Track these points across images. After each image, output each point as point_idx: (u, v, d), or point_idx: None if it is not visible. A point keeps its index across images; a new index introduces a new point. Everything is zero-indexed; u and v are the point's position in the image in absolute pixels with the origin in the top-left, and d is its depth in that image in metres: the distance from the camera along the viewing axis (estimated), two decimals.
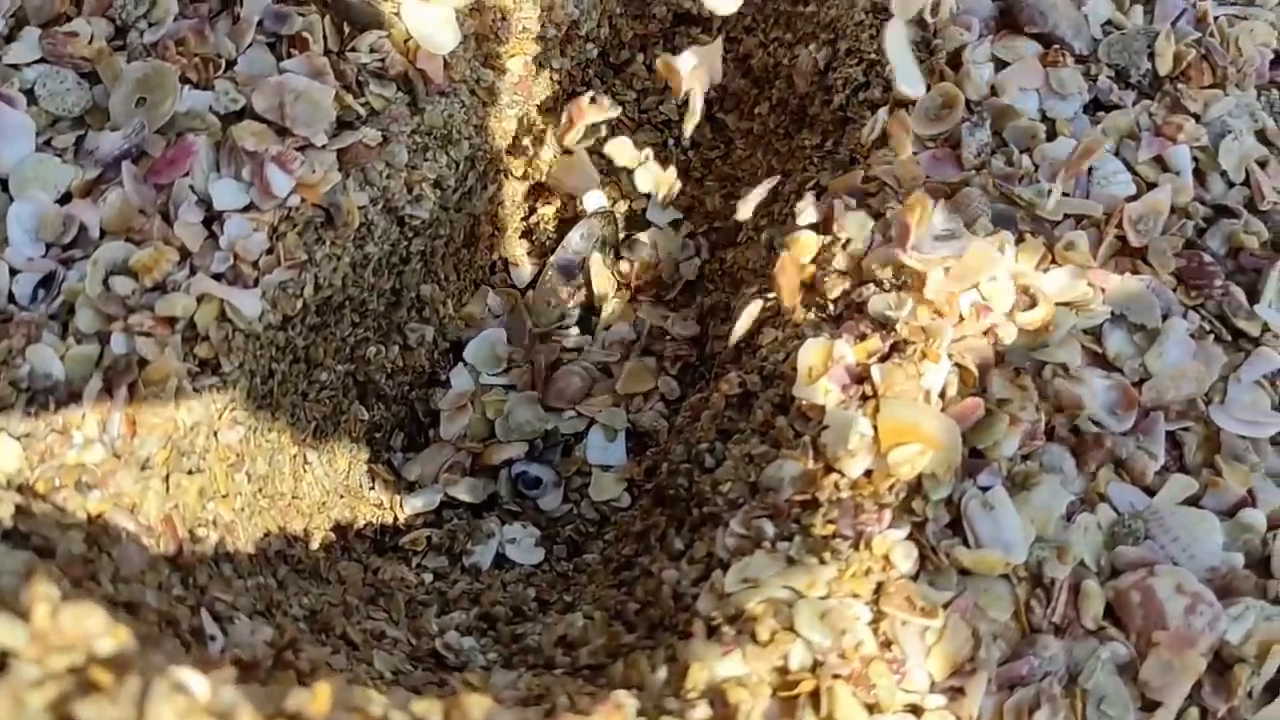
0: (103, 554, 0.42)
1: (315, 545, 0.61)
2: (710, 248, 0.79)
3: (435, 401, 0.72)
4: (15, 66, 0.57)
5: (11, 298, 0.51)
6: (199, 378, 0.51)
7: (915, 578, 0.49)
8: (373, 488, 0.69)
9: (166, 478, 0.48)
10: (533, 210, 0.80)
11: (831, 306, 0.59)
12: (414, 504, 0.68)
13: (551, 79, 0.76)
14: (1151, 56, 0.68)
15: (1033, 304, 0.57)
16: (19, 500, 0.41)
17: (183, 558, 0.47)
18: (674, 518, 0.59)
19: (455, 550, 0.65)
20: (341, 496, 0.65)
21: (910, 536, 0.50)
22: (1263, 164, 0.65)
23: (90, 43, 0.58)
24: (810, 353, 0.56)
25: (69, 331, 0.50)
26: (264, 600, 0.51)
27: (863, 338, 0.56)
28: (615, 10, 0.78)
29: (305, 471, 0.61)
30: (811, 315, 0.60)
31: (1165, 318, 0.58)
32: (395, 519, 0.68)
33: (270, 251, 0.54)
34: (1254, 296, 0.60)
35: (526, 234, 0.81)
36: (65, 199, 0.53)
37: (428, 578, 0.63)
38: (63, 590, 0.34)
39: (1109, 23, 0.70)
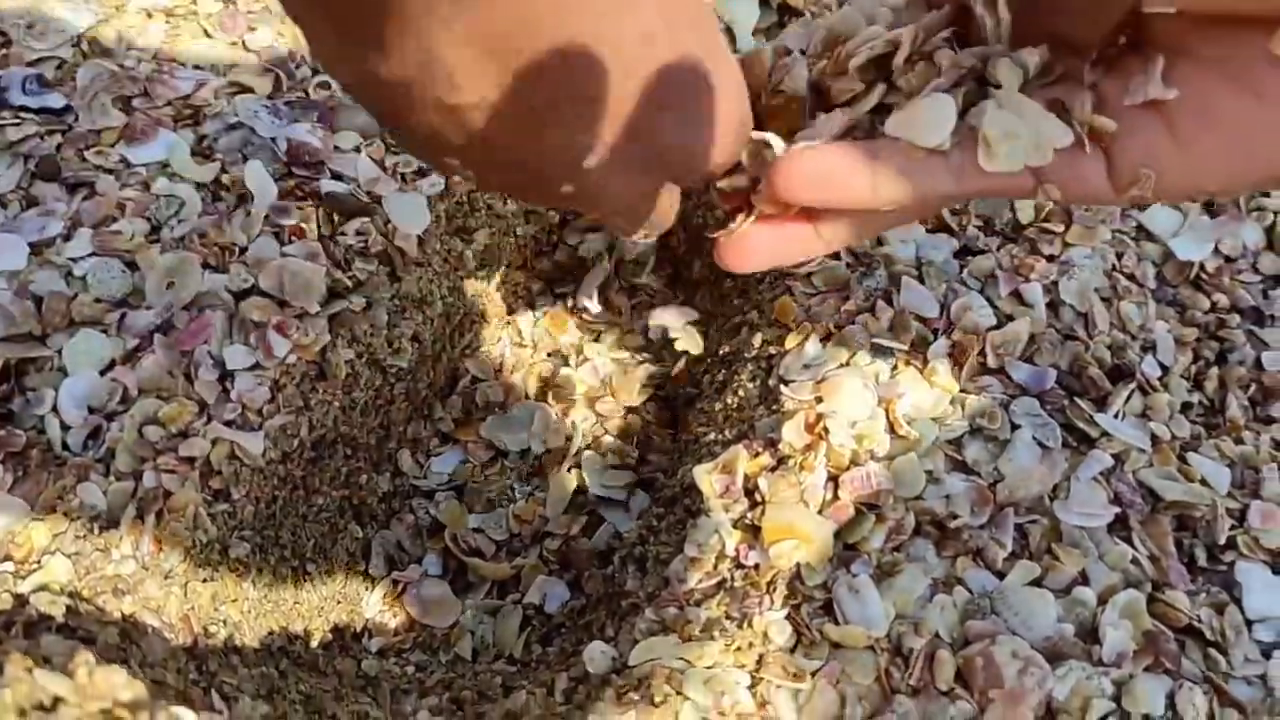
0: (133, 644, 0.55)
1: (314, 643, 0.72)
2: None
3: (420, 518, 0.84)
4: (74, 259, 0.71)
5: (65, 445, 0.64)
6: (213, 505, 0.63)
7: (792, 651, 0.60)
8: (370, 591, 0.80)
9: (185, 585, 0.61)
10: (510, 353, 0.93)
11: (729, 431, 0.71)
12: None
13: (517, 243, 0.90)
14: (1013, 208, 0.80)
15: (902, 423, 0.69)
16: (69, 603, 0.53)
17: (197, 649, 0.59)
18: (610, 611, 0.70)
19: (434, 646, 0.77)
20: (339, 602, 0.77)
21: (788, 616, 0.61)
22: (1107, 300, 0.77)
23: (131, 239, 0.72)
24: (707, 468, 0.68)
25: (110, 471, 0.63)
26: (266, 686, 0.63)
27: (756, 454, 0.68)
28: None
29: (305, 581, 0.73)
30: (721, 437, 0.72)
31: (1015, 429, 0.70)
32: (387, 621, 0.79)
33: (272, 401, 0.67)
34: (1100, 406, 0.72)
35: (501, 371, 0.93)
36: (109, 366, 0.67)
37: (410, 669, 0.74)
38: (99, 662, 0.46)
39: None
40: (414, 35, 0.28)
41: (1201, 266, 0.80)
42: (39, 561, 0.57)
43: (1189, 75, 0.31)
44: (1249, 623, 0.63)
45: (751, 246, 0.38)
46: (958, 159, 0.34)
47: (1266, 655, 0.61)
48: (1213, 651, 0.61)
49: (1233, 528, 0.66)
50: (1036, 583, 0.63)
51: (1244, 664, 0.61)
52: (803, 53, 0.37)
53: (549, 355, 0.90)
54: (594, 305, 0.92)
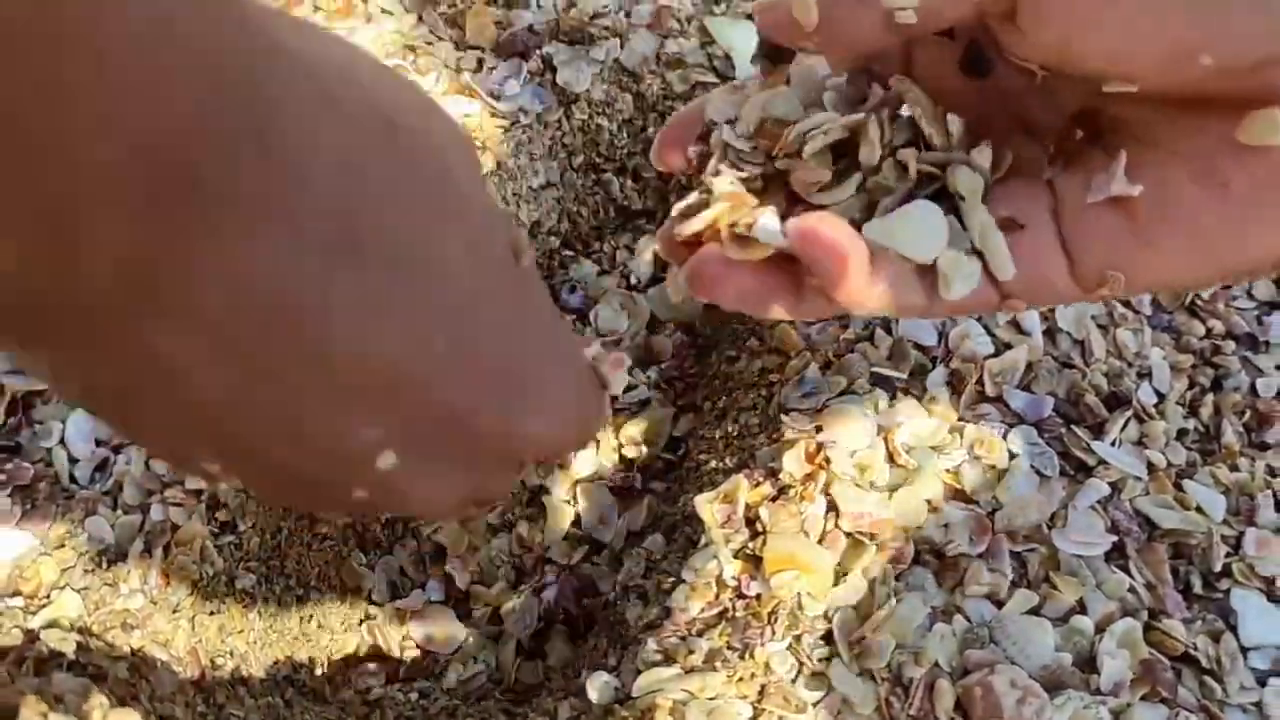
0: (142, 679, 0.55)
1: (319, 672, 0.73)
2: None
3: (423, 544, 0.84)
4: None
5: (73, 478, 0.65)
6: (219, 537, 0.64)
7: (794, 681, 0.61)
8: (374, 618, 0.81)
9: (193, 618, 0.61)
10: None
11: (730, 459, 0.72)
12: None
13: None
14: None
15: (901, 452, 0.70)
16: (79, 639, 0.54)
17: (205, 681, 0.60)
18: (612, 639, 0.71)
19: (438, 673, 0.77)
20: (343, 631, 0.77)
21: (789, 647, 0.62)
22: (1103, 327, 0.78)
23: None
24: (708, 498, 0.69)
25: (118, 504, 0.63)
26: (272, 717, 0.63)
27: (757, 484, 0.69)
28: (572, 208, 0.93)
29: (310, 609, 0.74)
30: (722, 464, 0.73)
31: (1013, 457, 0.70)
32: (391, 649, 0.80)
33: None
34: (1097, 433, 0.72)
35: None
36: None
37: (414, 696, 0.74)
38: (111, 703, 0.46)
39: None
40: (128, 333, 0.22)
41: (1196, 293, 0.81)
42: (49, 596, 0.58)
43: (1151, 166, 0.30)
44: (1244, 650, 0.63)
45: (732, 278, 0.33)
46: (929, 277, 0.33)
47: (1262, 682, 0.62)
48: (1208, 680, 0.61)
49: (1228, 555, 0.67)
50: (1035, 611, 0.64)
51: (1239, 691, 0.61)
52: (730, 124, 0.36)
53: None
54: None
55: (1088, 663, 0.62)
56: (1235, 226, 0.29)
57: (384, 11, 0.90)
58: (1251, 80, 0.27)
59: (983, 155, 0.33)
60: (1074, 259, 0.32)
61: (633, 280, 0.95)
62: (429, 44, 0.89)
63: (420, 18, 0.90)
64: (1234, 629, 0.64)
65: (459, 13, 0.90)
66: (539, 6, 0.93)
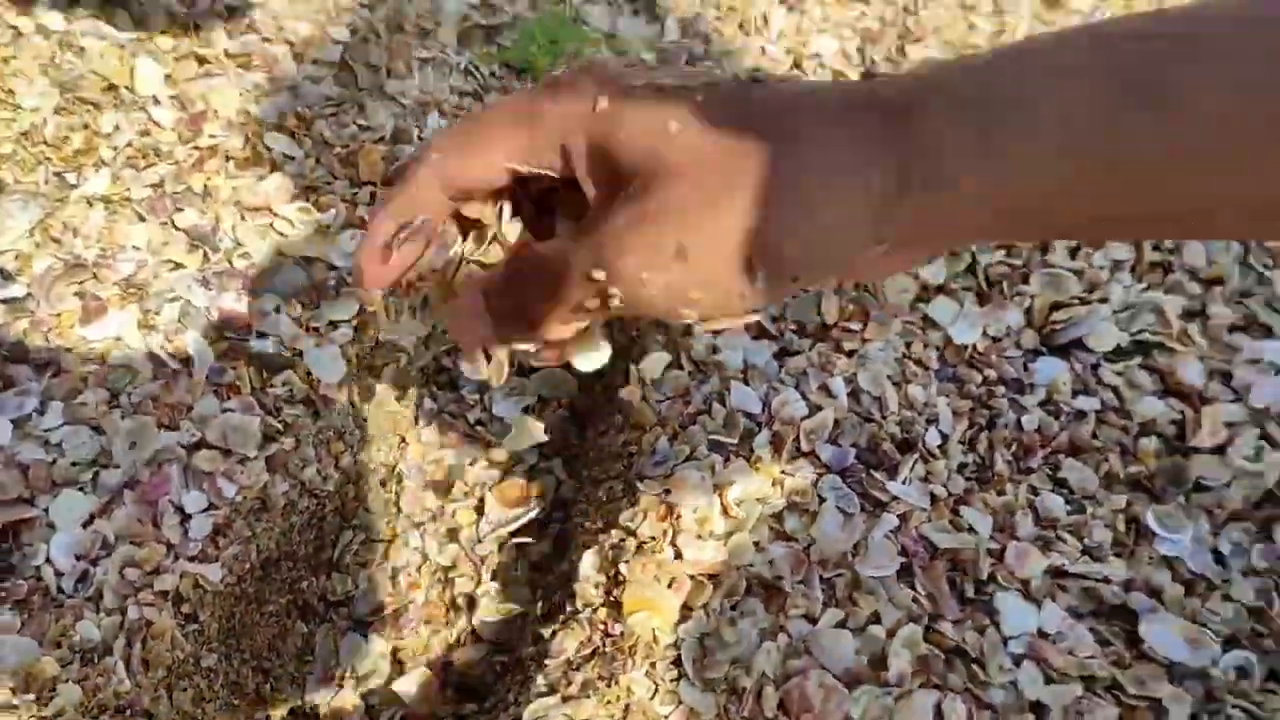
0: None
1: None
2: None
3: (357, 611, 1.00)
4: (49, 430, 0.87)
5: (60, 589, 0.80)
6: (185, 626, 0.79)
7: (652, 698, 0.77)
8: (317, 676, 0.96)
9: (170, 695, 0.76)
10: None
11: (600, 520, 0.89)
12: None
13: (419, 371, 1.07)
14: (819, 311, 0.99)
15: (734, 505, 0.87)
16: None
17: None
18: (517, 677, 0.87)
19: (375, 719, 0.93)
20: (293, 690, 0.93)
21: (647, 673, 0.79)
22: (897, 384, 0.96)
23: (95, 407, 0.88)
24: (587, 562, 0.85)
25: (100, 608, 0.78)
26: None
27: (619, 543, 0.85)
28: None
29: (264, 676, 0.89)
30: (594, 525, 0.90)
31: (822, 501, 0.88)
32: (336, 702, 0.95)
33: (225, 535, 0.84)
34: (891, 474, 0.90)
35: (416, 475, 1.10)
36: (90, 520, 0.82)
37: None
38: None
39: None
40: None
41: (974, 347, 0.99)
42: (55, 689, 0.72)
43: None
44: (1005, 639, 0.81)
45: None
46: None
47: (1018, 664, 0.80)
48: (974, 666, 0.79)
49: (993, 564, 0.85)
50: (841, 625, 0.82)
51: (999, 673, 0.79)
52: None
53: (453, 457, 1.07)
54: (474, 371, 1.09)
55: (880, 662, 0.79)
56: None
57: (286, 157, 1.05)
58: None
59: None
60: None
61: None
62: (328, 183, 1.04)
63: (319, 160, 1.06)
64: (997, 624, 0.82)
65: (352, 153, 1.06)
66: (420, 140, 1.09)
